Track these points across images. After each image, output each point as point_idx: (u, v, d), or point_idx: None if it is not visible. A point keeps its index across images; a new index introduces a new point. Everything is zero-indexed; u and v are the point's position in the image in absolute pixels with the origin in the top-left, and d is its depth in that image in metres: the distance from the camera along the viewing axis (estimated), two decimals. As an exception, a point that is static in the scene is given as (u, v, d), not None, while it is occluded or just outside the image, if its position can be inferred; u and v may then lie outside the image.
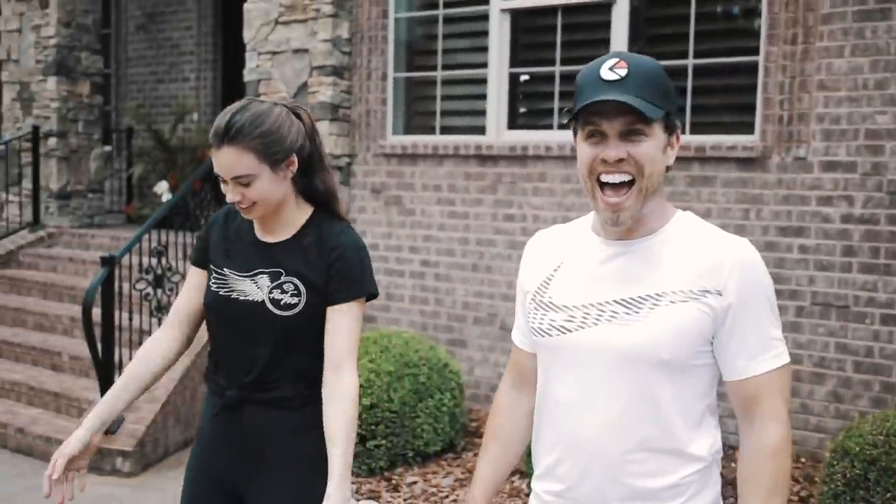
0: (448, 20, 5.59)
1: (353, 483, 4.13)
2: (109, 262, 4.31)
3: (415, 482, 4.17)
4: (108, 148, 8.12)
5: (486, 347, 5.24)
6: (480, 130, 5.36)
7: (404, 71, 5.76)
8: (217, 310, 1.95)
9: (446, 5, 5.56)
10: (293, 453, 1.91)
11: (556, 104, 5.18)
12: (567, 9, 5.13)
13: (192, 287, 2.03)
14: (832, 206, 4.27)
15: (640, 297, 1.43)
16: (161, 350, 1.98)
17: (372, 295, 1.94)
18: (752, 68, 4.49)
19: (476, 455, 4.46)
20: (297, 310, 1.87)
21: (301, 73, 5.72)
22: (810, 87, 4.29)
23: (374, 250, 5.65)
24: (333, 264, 1.89)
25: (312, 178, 1.96)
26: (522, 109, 5.53)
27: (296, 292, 1.88)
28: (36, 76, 7.43)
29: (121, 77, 8.83)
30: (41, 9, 7.38)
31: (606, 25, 4.91)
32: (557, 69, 5.15)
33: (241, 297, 1.90)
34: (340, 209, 2.02)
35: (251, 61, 5.95)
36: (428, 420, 4.32)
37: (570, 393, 1.49)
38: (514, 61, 5.32)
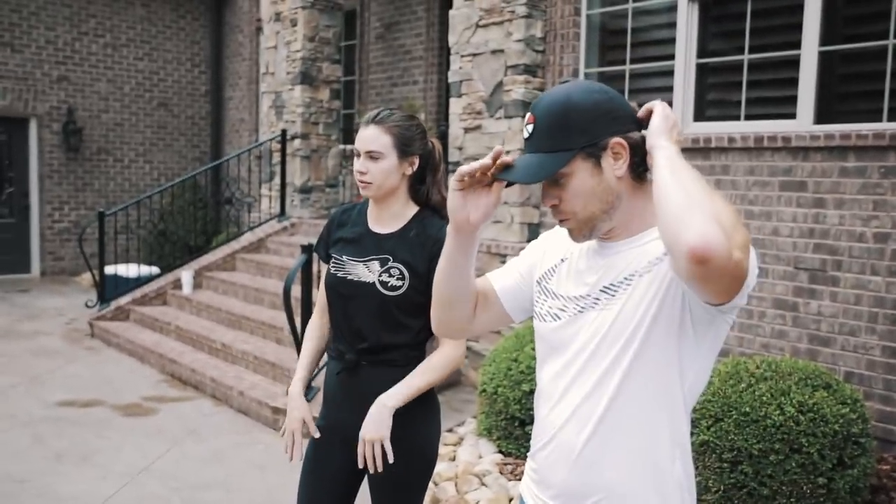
0: (637, 13, 5.62)
1: (509, 463, 4.39)
2: (308, 250, 4.96)
3: (567, 467, 4.32)
4: (347, 147, 9.05)
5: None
6: (666, 123, 5.32)
7: (595, 66, 5.87)
8: (335, 289, 2.39)
9: (636, -1, 5.60)
10: (407, 408, 2.28)
11: (743, 94, 5.02)
12: (757, -7, 4.95)
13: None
14: None
15: (618, 281, 1.50)
16: (324, 332, 2.52)
17: None
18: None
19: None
20: (400, 291, 2.29)
21: (497, 72, 6.06)
22: None
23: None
24: (435, 257, 2.23)
25: (422, 186, 2.41)
26: (709, 99, 5.39)
27: (401, 276, 2.29)
28: (286, 86, 8.53)
29: (363, 82, 9.78)
30: (291, 27, 8.45)
31: (799, 8, 4.68)
32: (746, 58, 4.99)
33: (356, 279, 2.33)
34: (444, 213, 2.41)
35: (454, 63, 6.40)
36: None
37: (551, 378, 1.59)
38: (703, 52, 5.23)
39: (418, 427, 2.31)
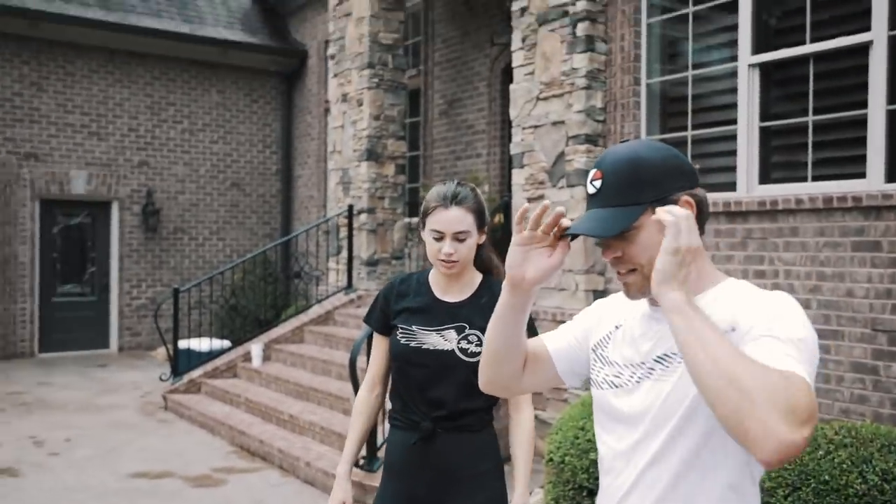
0: (697, 80, 5.65)
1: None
2: (373, 318, 5.02)
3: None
4: (412, 220, 9.20)
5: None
6: (731, 187, 5.29)
7: (657, 133, 5.89)
8: (407, 358, 2.40)
9: (695, 66, 5.64)
10: (479, 467, 2.37)
11: (809, 155, 4.96)
12: (820, 56, 4.92)
13: (383, 353, 2.53)
14: None
15: (673, 352, 1.47)
16: (373, 409, 2.55)
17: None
18: None
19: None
20: (479, 357, 2.29)
21: (558, 143, 6.13)
22: None
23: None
24: None
25: (483, 250, 2.47)
26: (774, 162, 5.33)
27: (479, 343, 2.35)
28: (353, 162, 8.78)
29: (427, 157, 9.99)
30: (358, 106, 8.75)
31: (863, 69, 4.64)
32: (810, 119, 4.95)
33: (432, 348, 2.37)
34: (501, 275, 2.49)
35: (516, 136, 6.51)
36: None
37: (611, 447, 1.58)
38: (765, 115, 5.20)
39: (498, 499, 2.36)
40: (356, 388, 5.05)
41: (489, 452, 2.39)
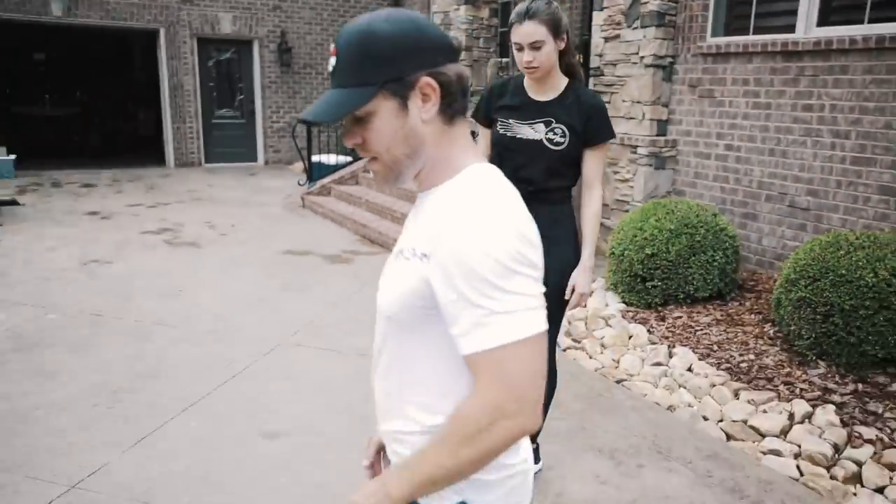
0: (771, -74, 5.13)
1: (630, 311, 4.46)
2: (472, 134, 5.08)
3: (679, 317, 4.34)
4: (502, 59, 8.95)
5: (775, 221, 5.02)
6: (791, 29, 4.94)
7: (727, -21, 5.46)
8: (505, 145, 2.50)
9: (771, -88, 5.10)
10: (554, 231, 2.39)
11: (868, -2, 4.54)
12: None
13: (487, 141, 2.61)
14: None
15: (398, 250, 1.18)
16: None
17: (612, 138, 2.49)
18: None
19: (740, 304, 4.45)
20: (563, 147, 2.42)
21: (637, -13, 5.76)
22: None
23: (686, 136, 5.65)
24: (591, 118, 2.42)
25: (566, 57, 2.45)
26: (835, 5, 4.90)
27: (563, 135, 2.42)
28: (453, 6, 8.47)
29: (518, 2, 9.52)
30: (459, -46, 8.31)
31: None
32: (874, -37, 4.48)
33: (524, 137, 2.45)
34: (583, 80, 2.54)
35: (599, -20, 6.13)
36: (699, 271, 4.36)
37: (375, 338, 1.29)
38: (831, -41, 4.74)
39: (568, 259, 2.46)
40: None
41: (565, 221, 2.48)
